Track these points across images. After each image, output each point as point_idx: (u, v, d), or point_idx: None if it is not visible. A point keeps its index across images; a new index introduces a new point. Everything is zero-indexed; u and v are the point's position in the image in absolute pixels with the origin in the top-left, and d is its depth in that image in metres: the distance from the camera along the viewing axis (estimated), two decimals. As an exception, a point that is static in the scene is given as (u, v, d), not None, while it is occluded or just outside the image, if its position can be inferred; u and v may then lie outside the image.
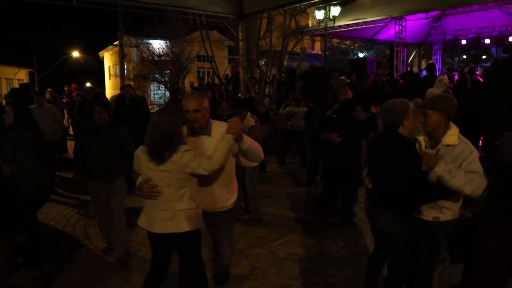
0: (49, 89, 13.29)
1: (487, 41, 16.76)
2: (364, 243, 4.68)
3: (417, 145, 2.95)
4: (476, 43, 16.89)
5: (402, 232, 2.87)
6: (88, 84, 26.22)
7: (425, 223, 2.90)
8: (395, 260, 3.05)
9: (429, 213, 2.88)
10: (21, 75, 32.08)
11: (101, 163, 4.11)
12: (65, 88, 13.38)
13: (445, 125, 2.78)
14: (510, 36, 15.94)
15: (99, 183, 4.20)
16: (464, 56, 27.74)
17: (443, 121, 2.76)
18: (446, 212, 2.87)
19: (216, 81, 16.26)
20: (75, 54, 28.29)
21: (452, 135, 2.76)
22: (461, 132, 2.82)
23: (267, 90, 15.41)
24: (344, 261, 4.22)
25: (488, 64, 17.14)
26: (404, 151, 2.84)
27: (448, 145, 2.76)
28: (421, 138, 2.95)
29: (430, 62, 15.73)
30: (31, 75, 28.71)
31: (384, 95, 8.87)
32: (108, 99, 7.72)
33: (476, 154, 2.73)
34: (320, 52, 25.75)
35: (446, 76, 8.53)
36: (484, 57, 26.24)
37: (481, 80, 7.73)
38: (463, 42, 17.15)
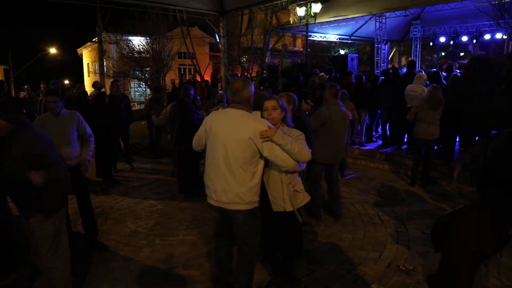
0: (26, 86, 12.95)
1: (465, 38, 17.11)
2: (346, 238, 4.71)
3: None
4: (454, 40, 17.25)
5: None
6: (66, 82, 25.72)
7: None
8: None
9: None
10: (-4, 73, 31.17)
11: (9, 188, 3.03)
12: (41, 86, 12.99)
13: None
14: (486, 33, 16.33)
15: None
16: (443, 53, 28.25)
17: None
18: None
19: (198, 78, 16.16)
20: (53, 51, 27.69)
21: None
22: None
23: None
24: (327, 256, 4.24)
25: (466, 61, 17.52)
26: None
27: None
28: None
29: (410, 59, 15.96)
30: (6, 72, 27.93)
31: (365, 92, 8.95)
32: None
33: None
34: (301, 49, 25.84)
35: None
36: (461, 54, 26.78)
37: (460, 75, 7.86)
38: (442, 39, 17.46)
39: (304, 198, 3.27)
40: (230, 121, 2.95)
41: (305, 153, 2.92)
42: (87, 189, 4.54)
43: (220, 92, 7.82)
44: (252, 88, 3.05)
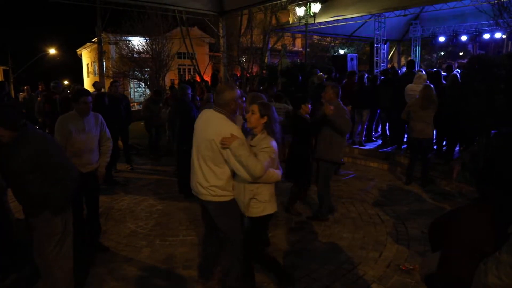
0: (26, 87, 12.92)
1: (464, 38, 17.11)
2: (346, 238, 4.71)
3: None
4: (453, 40, 17.25)
5: None
6: (65, 82, 25.72)
7: None
8: None
9: None
10: (-5, 73, 31.13)
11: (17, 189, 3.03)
12: (40, 87, 12.91)
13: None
14: (485, 33, 16.33)
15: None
16: (442, 53, 28.27)
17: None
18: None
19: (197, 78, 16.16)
20: (52, 51, 27.68)
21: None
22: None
23: (247, 87, 15.39)
24: (327, 256, 4.25)
25: (465, 61, 17.53)
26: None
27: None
28: None
29: (409, 58, 15.96)
30: (5, 73, 27.93)
31: (367, 92, 8.93)
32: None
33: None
34: (301, 49, 25.87)
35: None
36: (461, 53, 26.79)
37: (459, 76, 7.85)
38: (441, 39, 17.46)
39: (265, 209, 3.18)
40: (204, 121, 3.20)
41: (254, 168, 2.88)
42: (98, 194, 4.50)
43: (208, 93, 7.80)
44: (237, 92, 3.13)
